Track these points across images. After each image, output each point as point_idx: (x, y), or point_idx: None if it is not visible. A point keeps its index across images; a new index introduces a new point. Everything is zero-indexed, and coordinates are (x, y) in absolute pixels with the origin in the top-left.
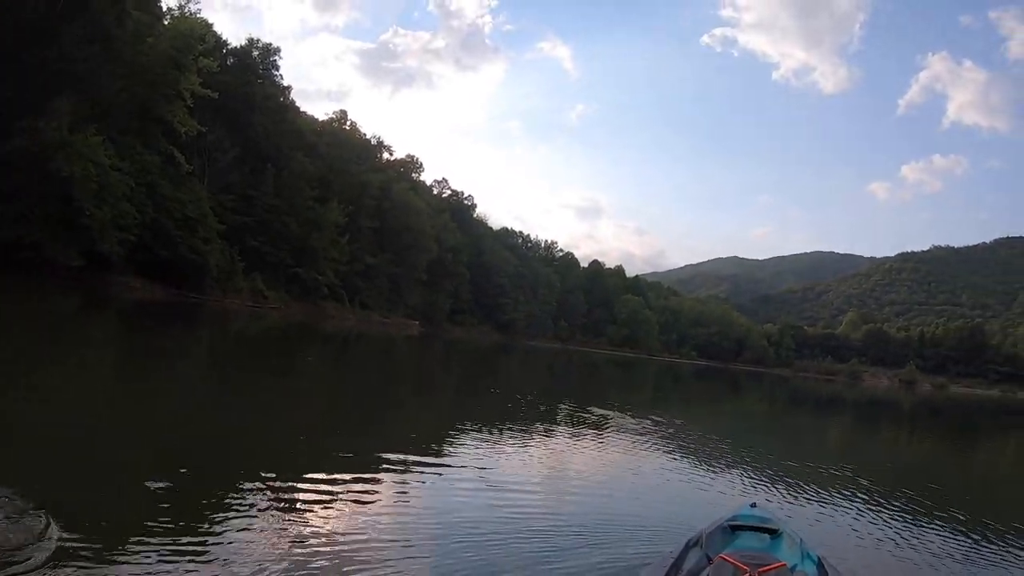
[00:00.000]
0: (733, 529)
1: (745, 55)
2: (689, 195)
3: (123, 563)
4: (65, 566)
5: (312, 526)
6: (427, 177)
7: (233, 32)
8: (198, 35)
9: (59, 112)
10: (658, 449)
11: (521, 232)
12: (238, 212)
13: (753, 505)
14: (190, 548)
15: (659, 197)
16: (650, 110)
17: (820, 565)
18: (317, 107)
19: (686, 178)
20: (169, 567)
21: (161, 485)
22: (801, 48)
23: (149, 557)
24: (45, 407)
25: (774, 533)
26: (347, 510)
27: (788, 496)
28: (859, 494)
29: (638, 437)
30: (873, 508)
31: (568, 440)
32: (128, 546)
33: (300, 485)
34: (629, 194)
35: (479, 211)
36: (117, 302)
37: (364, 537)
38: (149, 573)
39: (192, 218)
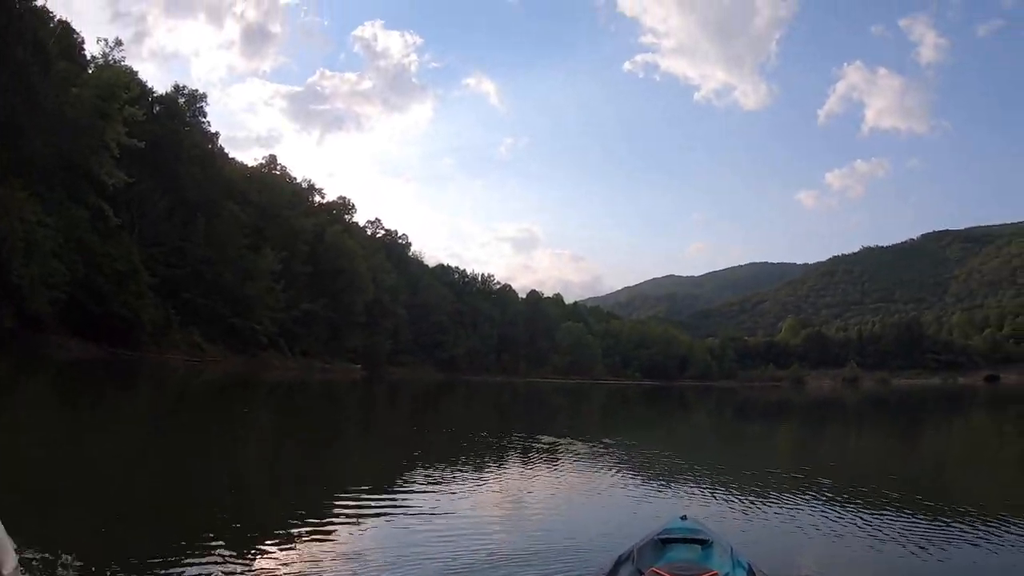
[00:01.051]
0: (664, 542)
1: (667, 79)
2: (622, 219)
3: None
4: None
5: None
6: (360, 218)
7: (161, 80)
8: (123, 83)
9: None
10: (602, 471)
11: (457, 268)
12: (170, 264)
13: (684, 517)
14: None
15: (593, 223)
16: (578, 138)
17: (750, 571)
18: (247, 154)
19: (618, 202)
20: None
21: (74, 556)
22: (721, 69)
23: None
24: None
25: (705, 543)
26: (296, 553)
27: (730, 504)
28: (803, 495)
29: (584, 461)
30: (817, 507)
31: (518, 469)
32: None
33: (246, 534)
34: (563, 222)
35: (414, 249)
36: (51, 363)
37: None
38: None
39: (123, 272)
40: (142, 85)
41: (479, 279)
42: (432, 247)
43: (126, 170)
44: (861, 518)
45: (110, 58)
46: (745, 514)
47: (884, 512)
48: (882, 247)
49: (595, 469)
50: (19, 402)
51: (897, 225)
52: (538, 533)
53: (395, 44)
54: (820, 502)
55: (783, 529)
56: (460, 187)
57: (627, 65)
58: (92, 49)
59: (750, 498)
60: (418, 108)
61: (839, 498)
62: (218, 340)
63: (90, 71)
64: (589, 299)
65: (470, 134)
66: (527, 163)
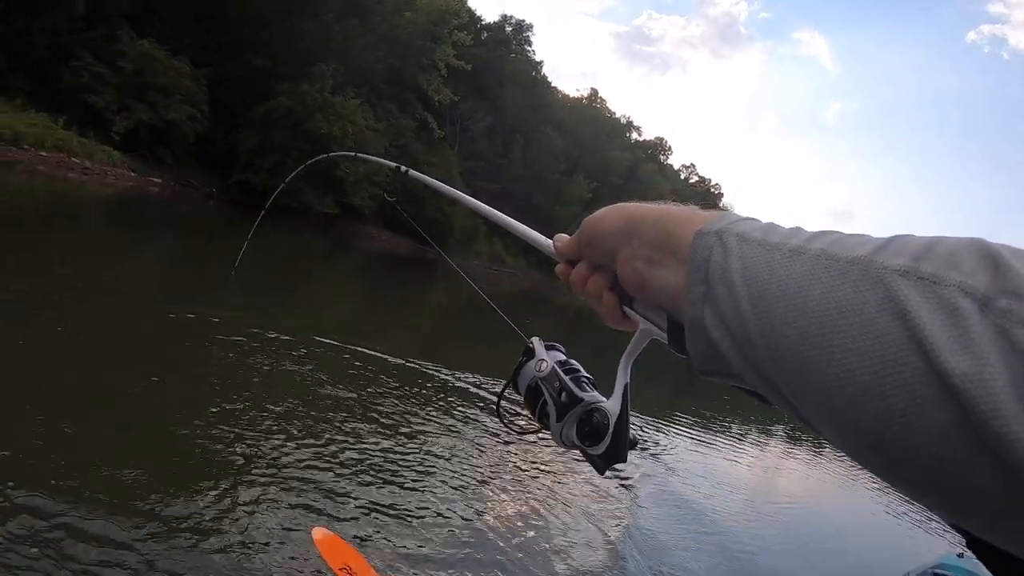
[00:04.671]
0: None
1: (1017, 57)
2: (949, 212)
3: None
4: None
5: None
6: (674, 161)
7: (491, 11)
8: (453, 10)
9: (320, 76)
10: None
11: None
12: (485, 179)
13: (961, 555)
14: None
15: (917, 210)
16: (911, 112)
17: None
18: (570, 84)
19: (947, 192)
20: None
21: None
22: None
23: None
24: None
25: None
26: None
27: None
28: None
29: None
30: None
31: (781, 451)
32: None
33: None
34: (883, 202)
35: (726, 200)
36: (363, 250)
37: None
38: None
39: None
40: (471, 13)
41: None
42: (743, 202)
43: (452, 89)
44: None
45: None
46: None
47: None
48: None
49: (866, 473)
50: (333, 276)
51: None
52: (790, 534)
53: None
54: None
55: None
56: (780, 145)
57: (971, 35)
58: None
59: None
60: (743, 59)
61: None
62: (519, 255)
63: None
64: None
65: (796, 92)
66: (853, 132)
